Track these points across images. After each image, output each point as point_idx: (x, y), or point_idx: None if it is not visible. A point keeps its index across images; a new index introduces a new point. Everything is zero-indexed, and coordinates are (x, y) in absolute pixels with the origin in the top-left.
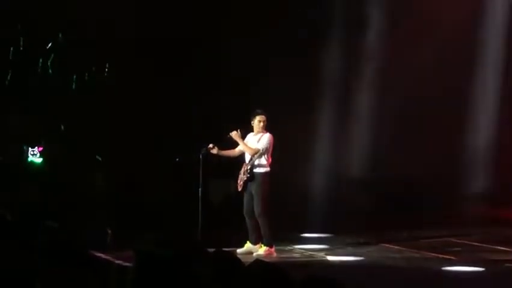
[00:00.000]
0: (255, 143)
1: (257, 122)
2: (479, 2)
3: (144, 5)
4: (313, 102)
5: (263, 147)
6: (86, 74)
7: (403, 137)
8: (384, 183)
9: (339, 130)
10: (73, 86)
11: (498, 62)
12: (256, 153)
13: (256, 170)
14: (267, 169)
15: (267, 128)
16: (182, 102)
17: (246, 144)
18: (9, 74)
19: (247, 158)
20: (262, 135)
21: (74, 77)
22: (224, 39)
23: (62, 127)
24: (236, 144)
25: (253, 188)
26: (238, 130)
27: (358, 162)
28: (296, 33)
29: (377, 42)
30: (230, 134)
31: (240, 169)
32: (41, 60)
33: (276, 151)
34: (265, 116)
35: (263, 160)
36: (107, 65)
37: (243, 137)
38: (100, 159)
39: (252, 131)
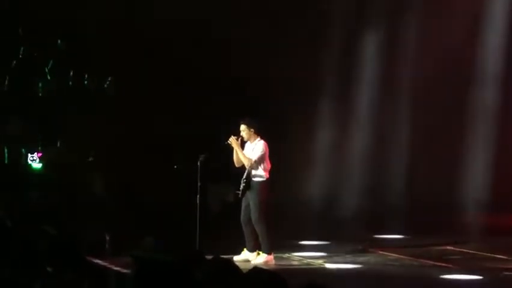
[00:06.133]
0: (250, 152)
1: (241, 133)
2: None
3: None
4: (314, 110)
5: (256, 157)
6: (85, 79)
7: (402, 145)
8: (383, 191)
9: (339, 138)
10: (71, 91)
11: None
12: (251, 164)
13: (253, 178)
14: (264, 177)
15: (260, 134)
16: (181, 108)
17: (243, 153)
18: (8, 79)
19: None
20: (256, 144)
21: (72, 82)
22: (224, 41)
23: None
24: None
25: (250, 196)
26: (239, 138)
27: (357, 170)
28: (297, 37)
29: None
30: (229, 140)
31: (242, 175)
32: (40, 65)
33: (274, 158)
34: (243, 124)
35: (259, 169)
36: (105, 70)
37: (242, 145)
38: (92, 159)
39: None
